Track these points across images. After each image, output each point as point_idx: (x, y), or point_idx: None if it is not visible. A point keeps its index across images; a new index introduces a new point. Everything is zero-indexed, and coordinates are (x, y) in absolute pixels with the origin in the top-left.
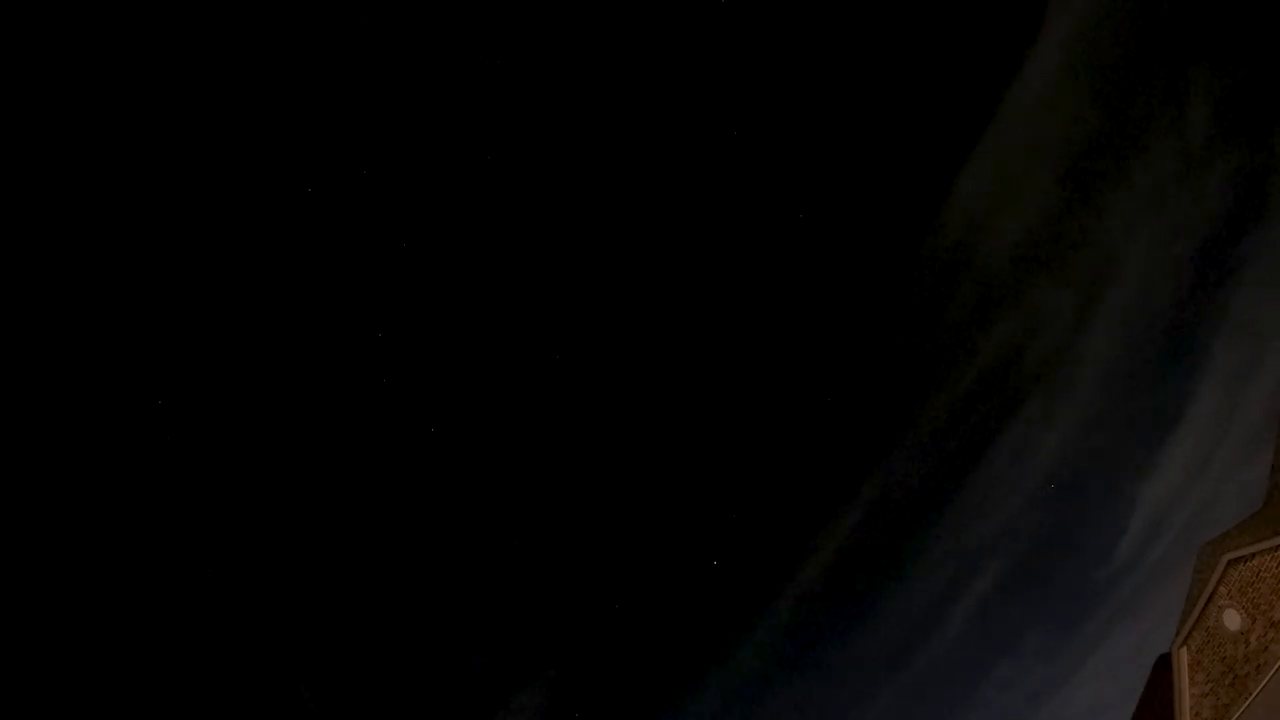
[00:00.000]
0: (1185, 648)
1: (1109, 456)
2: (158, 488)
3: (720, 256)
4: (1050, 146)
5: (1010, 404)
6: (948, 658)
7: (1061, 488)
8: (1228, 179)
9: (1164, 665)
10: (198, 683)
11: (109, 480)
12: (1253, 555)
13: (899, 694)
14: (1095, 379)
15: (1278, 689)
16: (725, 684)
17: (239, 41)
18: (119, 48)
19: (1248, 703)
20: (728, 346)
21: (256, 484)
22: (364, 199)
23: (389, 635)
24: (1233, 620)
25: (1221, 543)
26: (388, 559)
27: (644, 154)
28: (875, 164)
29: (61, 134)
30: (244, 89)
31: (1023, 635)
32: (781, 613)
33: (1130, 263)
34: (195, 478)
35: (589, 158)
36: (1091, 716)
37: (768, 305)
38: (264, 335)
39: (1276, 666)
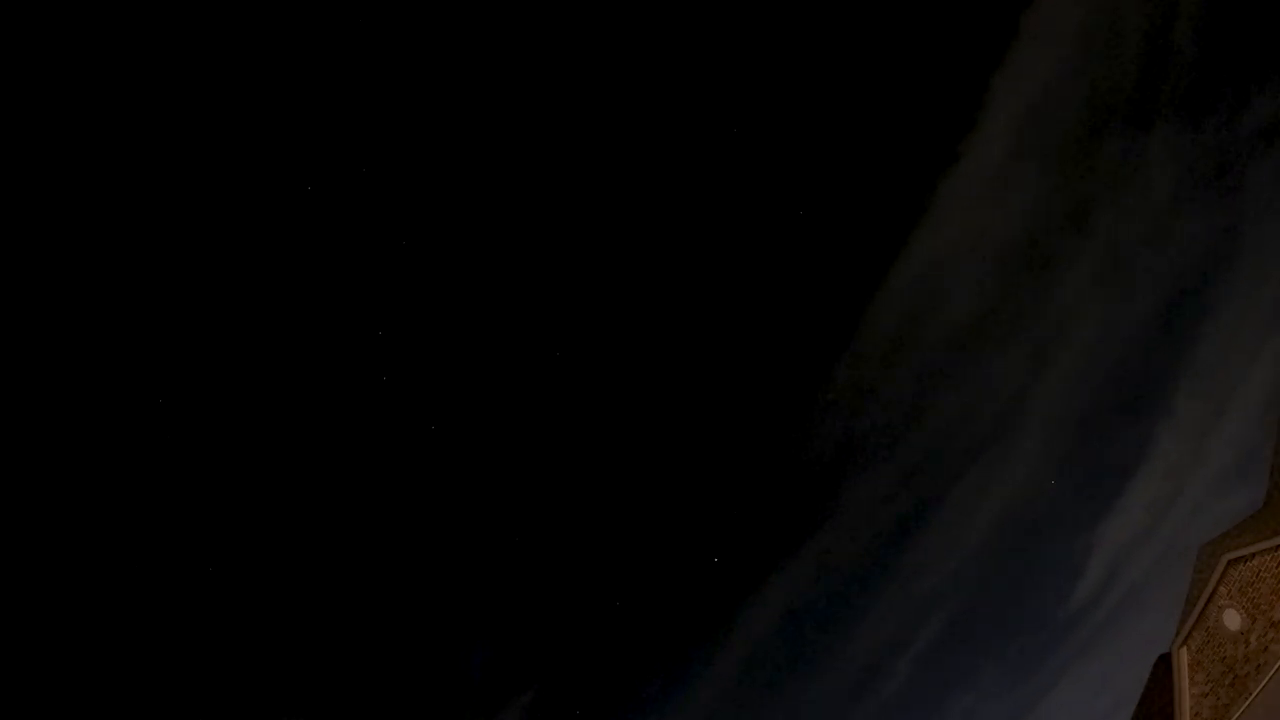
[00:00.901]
0: (1185, 648)
1: (1065, 503)
2: (155, 488)
3: (664, 337)
4: (1001, 222)
5: (963, 458)
6: (905, 691)
7: (1016, 533)
8: (1193, 233)
9: (1164, 665)
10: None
11: (106, 478)
12: (1253, 555)
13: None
14: (1049, 431)
15: (1278, 689)
16: None
17: (238, 41)
18: (119, 47)
19: (1248, 703)
20: (682, 413)
21: (248, 485)
22: (363, 197)
23: (376, 652)
24: (1233, 620)
25: (1221, 543)
26: (380, 562)
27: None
28: (822, 235)
29: (61, 134)
30: (243, 88)
31: (982, 669)
32: (739, 647)
33: (1088, 321)
34: (190, 478)
35: (585, 159)
36: None
37: (714, 376)
38: (264, 333)
39: (1276, 666)
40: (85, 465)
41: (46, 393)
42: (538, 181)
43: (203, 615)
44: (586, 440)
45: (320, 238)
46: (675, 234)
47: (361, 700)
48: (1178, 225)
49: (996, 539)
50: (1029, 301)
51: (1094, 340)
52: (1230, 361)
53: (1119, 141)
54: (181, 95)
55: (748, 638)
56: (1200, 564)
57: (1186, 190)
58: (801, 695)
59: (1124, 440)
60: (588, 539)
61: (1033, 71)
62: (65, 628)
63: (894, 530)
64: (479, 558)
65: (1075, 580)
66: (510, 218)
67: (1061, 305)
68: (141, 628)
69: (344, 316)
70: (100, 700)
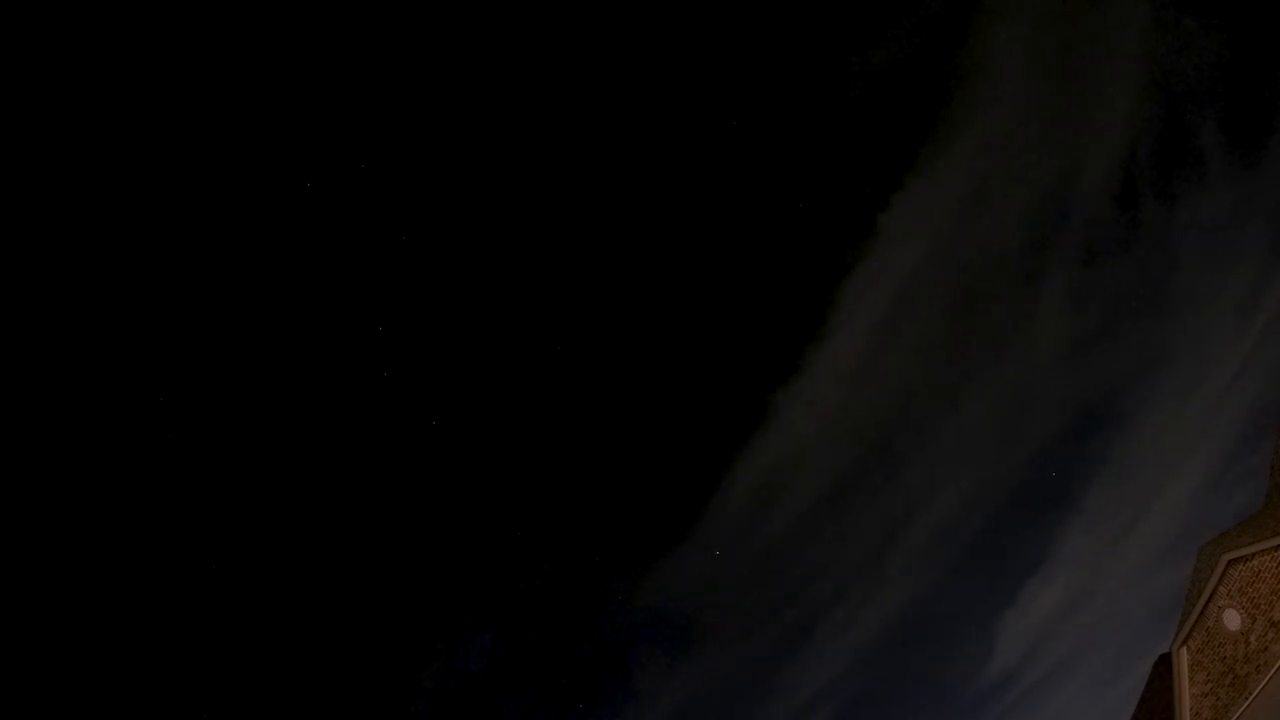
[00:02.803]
0: (1185, 648)
1: (966, 596)
2: (155, 482)
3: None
4: (868, 404)
5: (843, 579)
6: None
7: (911, 627)
8: (1098, 357)
9: (1164, 665)
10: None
11: (103, 471)
12: (1253, 555)
13: None
14: (940, 544)
15: (1278, 689)
16: None
17: (238, 39)
18: (119, 46)
19: (1248, 703)
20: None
21: (248, 480)
22: (362, 193)
23: (375, 647)
24: (1233, 620)
25: (1221, 543)
26: (378, 557)
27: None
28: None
29: (62, 133)
30: (244, 86)
31: None
32: None
33: (984, 445)
34: (191, 472)
35: (588, 157)
36: None
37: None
38: (264, 330)
39: (1276, 666)
40: (84, 460)
41: (44, 389)
42: (550, 176)
43: (195, 608)
44: None
45: (320, 234)
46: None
47: (357, 696)
48: (1082, 356)
49: (889, 636)
50: (911, 448)
51: (991, 462)
52: (1147, 460)
53: (1007, 303)
54: (180, 92)
55: None
56: (1200, 564)
57: (1091, 325)
58: None
59: (1030, 538)
60: None
61: (893, 266)
62: (62, 625)
63: (777, 643)
64: (474, 553)
65: (986, 660)
66: (517, 211)
67: (954, 437)
68: (140, 619)
69: (344, 313)
70: (96, 698)
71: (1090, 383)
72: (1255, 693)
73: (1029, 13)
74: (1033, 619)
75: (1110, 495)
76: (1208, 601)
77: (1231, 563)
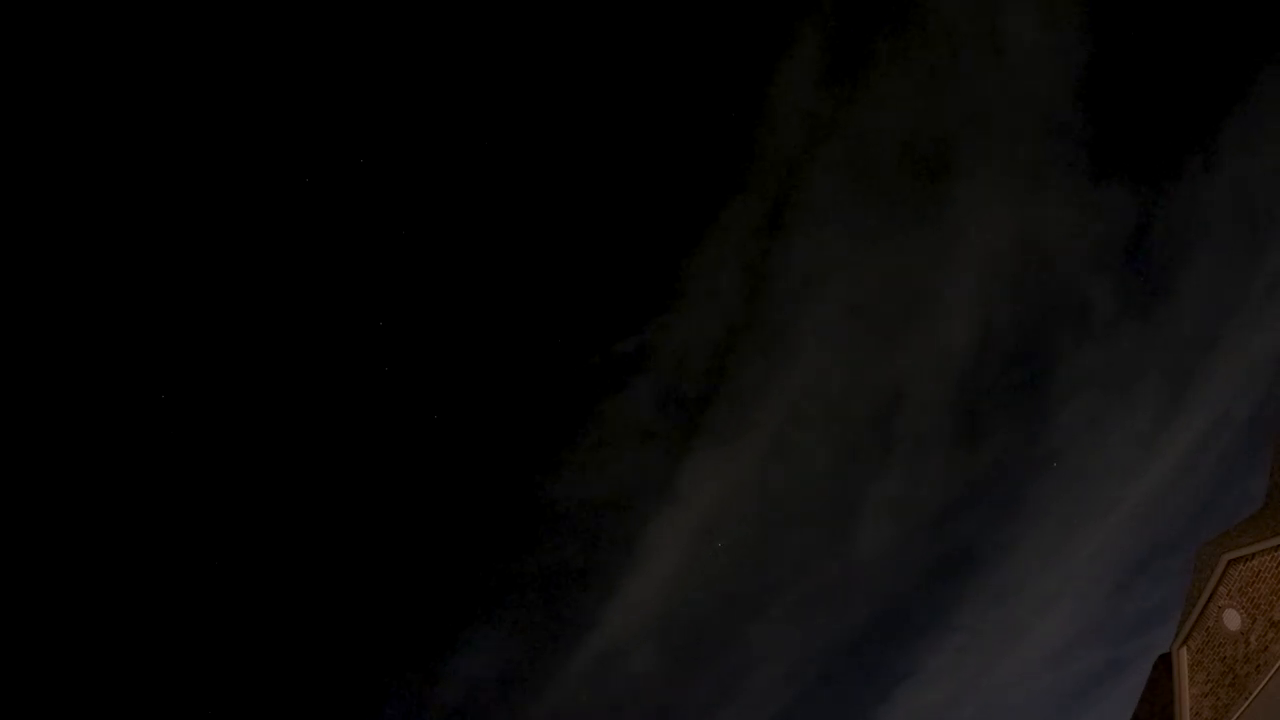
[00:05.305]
0: (1185, 648)
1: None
2: (154, 480)
3: None
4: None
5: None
6: None
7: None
8: (955, 526)
9: (1164, 665)
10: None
11: (102, 466)
12: (1253, 555)
13: None
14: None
15: (1278, 689)
16: None
17: (238, 36)
18: (120, 44)
19: (1248, 703)
20: None
21: (249, 478)
22: (361, 190)
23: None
24: (1233, 620)
25: (1221, 543)
26: (380, 557)
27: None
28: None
29: (62, 130)
30: (242, 83)
31: None
32: None
33: (833, 600)
34: (193, 472)
35: (587, 155)
36: None
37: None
38: (265, 326)
39: (1276, 666)
40: (82, 457)
41: (42, 384)
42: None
43: (191, 605)
44: None
45: (319, 230)
46: None
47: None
48: (937, 528)
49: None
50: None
51: (839, 610)
52: (1026, 585)
53: (830, 516)
54: (178, 89)
55: None
56: (1200, 564)
57: (942, 504)
58: None
59: (898, 652)
60: None
61: (693, 509)
62: (55, 623)
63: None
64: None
65: None
66: (517, 207)
67: (795, 599)
68: (135, 618)
69: (345, 309)
70: (93, 697)
71: (949, 542)
72: (1255, 693)
73: (849, 256)
74: (911, 714)
75: (985, 615)
76: (1208, 601)
77: (1231, 563)
